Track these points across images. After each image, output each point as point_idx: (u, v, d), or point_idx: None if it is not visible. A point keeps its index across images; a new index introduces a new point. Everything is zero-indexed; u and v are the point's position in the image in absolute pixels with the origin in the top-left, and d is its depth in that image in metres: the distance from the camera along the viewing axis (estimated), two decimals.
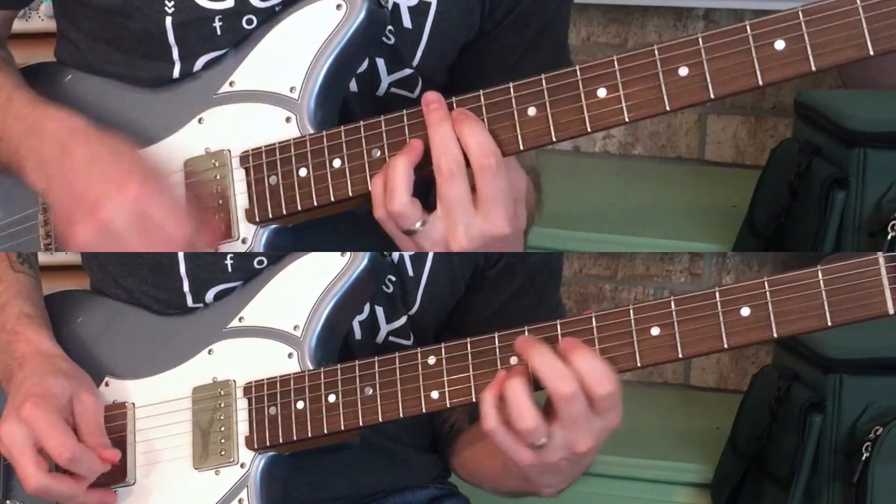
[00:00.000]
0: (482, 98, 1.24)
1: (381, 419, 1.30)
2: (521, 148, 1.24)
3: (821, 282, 1.17)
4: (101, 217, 1.23)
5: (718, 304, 1.19)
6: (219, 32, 1.35)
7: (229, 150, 1.32)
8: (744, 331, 1.19)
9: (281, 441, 1.34)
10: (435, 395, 1.28)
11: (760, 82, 1.17)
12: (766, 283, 1.18)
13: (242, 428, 1.35)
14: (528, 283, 1.49)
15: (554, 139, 1.23)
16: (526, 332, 1.25)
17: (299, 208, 1.30)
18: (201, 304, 1.42)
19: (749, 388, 2.12)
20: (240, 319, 1.39)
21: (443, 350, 1.28)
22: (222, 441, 1.36)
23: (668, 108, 1.20)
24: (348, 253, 1.35)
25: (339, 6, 1.31)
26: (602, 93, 1.21)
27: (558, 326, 1.24)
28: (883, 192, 1.96)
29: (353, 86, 1.38)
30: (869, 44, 1.14)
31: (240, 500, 1.34)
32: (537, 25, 1.45)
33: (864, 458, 1.87)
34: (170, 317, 1.43)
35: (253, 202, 1.31)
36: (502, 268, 1.47)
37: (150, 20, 1.34)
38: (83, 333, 1.46)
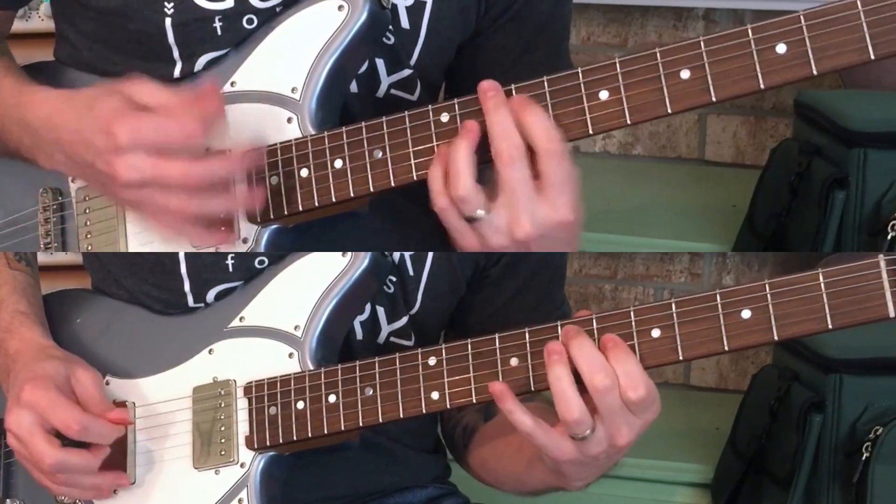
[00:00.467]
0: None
1: (381, 420, 1.30)
2: None
3: (822, 284, 1.17)
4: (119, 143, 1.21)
5: (719, 306, 1.19)
6: (219, 32, 1.35)
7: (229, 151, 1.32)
8: (744, 333, 1.19)
9: (281, 441, 1.34)
10: (435, 395, 1.28)
11: (762, 86, 1.18)
12: (766, 285, 1.18)
13: (242, 428, 1.35)
14: (531, 281, 1.49)
15: None
16: (526, 333, 1.25)
17: (300, 208, 1.30)
18: (202, 304, 1.42)
19: (749, 388, 2.12)
20: (240, 319, 1.39)
21: (443, 351, 1.28)
22: (222, 441, 1.36)
23: (669, 111, 1.20)
24: (349, 253, 1.35)
25: (341, 7, 1.31)
26: (604, 95, 1.21)
27: (559, 328, 1.24)
28: (883, 192, 1.96)
29: (353, 87, 1.38)
30: (870, 48, 1.14)
31: (239, 500, 1.34)
32: (533, 25, 1.45)
33: (864, 458, 1.86)
34: (170, 316, 1.43)
35: None
36: (504, 266, 1.47)
37: (150, 21, 1.34)
38: (84, 333, 1.46)
